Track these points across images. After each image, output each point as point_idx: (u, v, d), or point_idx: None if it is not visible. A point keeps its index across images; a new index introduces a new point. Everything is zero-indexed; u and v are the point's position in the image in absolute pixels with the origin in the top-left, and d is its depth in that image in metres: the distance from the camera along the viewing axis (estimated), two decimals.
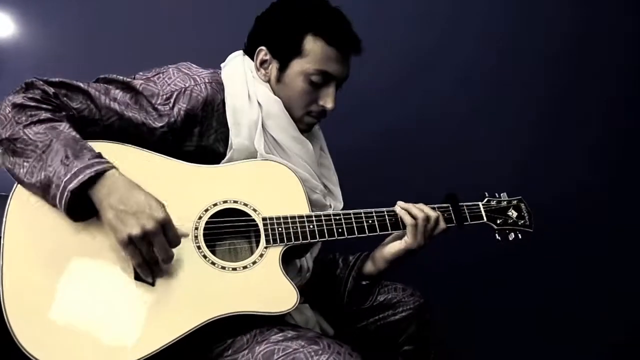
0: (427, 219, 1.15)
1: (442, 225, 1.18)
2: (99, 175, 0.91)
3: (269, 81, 1.17)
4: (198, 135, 1.11)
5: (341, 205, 1.26)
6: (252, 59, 1.18)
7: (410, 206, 1.17)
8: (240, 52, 1.21)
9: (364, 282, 1.24)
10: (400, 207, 1.17)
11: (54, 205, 0.92)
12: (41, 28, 1.72)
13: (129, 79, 1.08)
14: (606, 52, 2.10)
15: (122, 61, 1.67)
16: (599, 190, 2.07)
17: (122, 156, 0.98)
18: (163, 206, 0.92)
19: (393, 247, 1.18)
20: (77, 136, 0.95)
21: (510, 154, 2.03)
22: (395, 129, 1.94)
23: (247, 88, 1.14)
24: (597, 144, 2.10)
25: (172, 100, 1.07)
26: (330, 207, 1.22)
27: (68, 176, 0.89)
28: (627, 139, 2.12)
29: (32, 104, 0.96)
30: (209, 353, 1.00)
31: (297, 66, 1.12)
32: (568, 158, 2.09)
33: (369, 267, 1.23)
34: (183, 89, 1.08)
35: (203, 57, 1.19)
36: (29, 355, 0.83)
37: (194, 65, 1.15)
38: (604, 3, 2.09)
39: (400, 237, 1.18)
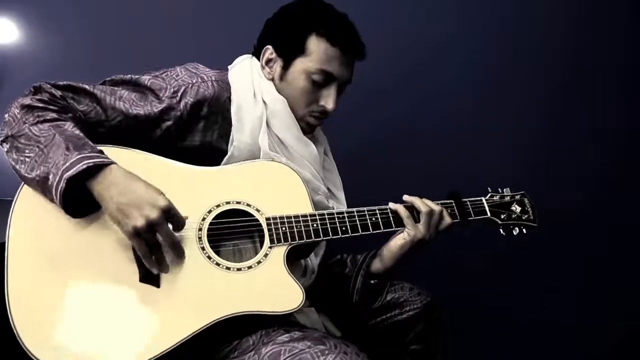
0: (430, 212, 1.15)
1: (447, 219, 1.18)
2: (98, 168, 0.91)
3: (273, 79, 1.19)
4: (202, 130, 1.12)
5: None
6: (259, 59, 1.20)
7: (414, 199, 1.17)
8: (248, 55, 1.24)
9: (372, 281, 1.23)
10: (403, 199, 1.18)
11: (52, 200, 0.92)
12: (44, 33, 1.73)
13: (136, 77, 1.11)
14: (606, 52, 2.09)
15: (125, 64, 1.66)
16: (600, 189, 2.05)
17: (124, 158, 0.99)
18: (162, 193, 0.92)
19: (398, 241, 1.17)
20: (81, 134, 0.96)
21: (511, 152, 2.02)
22: (397, 128, 1.93)
23: (252, 86, 1.16)
24: (598, 143, 2.09)
25: (179, 94, 1.09)
26: (333, 209, 1.21)
27: (66, 165, 0.89)
28: (628, 138, 2.11)
29: (40, 105, 0.98)
30: (215, 355, 0.99)
31: (300, 64, 1.15)
32: (569, 156, 2.07)
33: (376, 265, 1.22)
34: (190, 84, 1.11)
35: (207, 60, 1.20)
36: (34, 359, 0.82)
37: (200, 65, 1.18)
38: (604, 3, 2.09)
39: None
